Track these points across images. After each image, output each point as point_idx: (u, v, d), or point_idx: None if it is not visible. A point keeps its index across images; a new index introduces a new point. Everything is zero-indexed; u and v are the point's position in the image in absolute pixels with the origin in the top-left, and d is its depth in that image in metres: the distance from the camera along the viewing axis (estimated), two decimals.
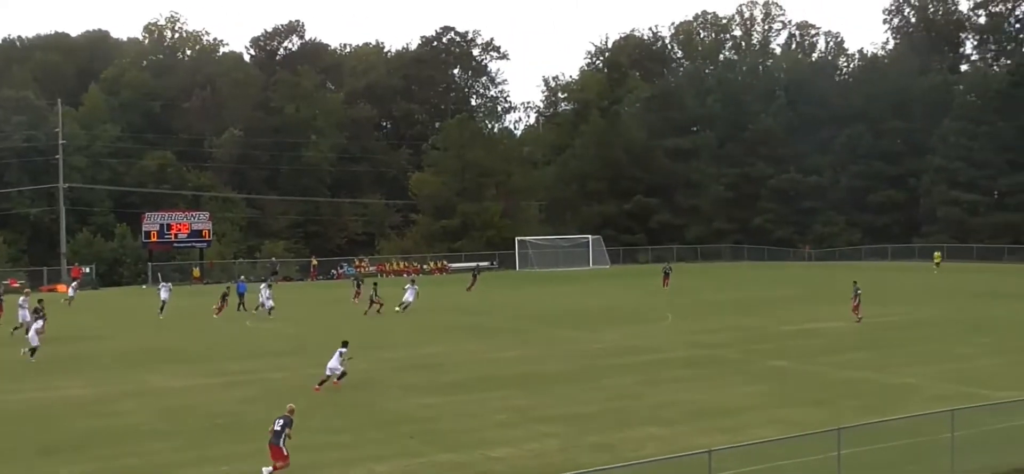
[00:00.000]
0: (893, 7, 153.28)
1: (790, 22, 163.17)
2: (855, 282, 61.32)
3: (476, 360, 46.94)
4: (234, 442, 31.21)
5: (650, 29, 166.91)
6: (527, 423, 33.20)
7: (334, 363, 39.45)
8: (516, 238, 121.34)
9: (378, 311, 67.44)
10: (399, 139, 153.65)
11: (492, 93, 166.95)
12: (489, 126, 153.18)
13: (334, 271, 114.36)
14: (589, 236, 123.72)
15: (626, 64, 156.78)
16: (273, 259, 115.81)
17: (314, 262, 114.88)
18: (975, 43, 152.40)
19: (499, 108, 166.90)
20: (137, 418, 35.02)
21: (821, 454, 24.96)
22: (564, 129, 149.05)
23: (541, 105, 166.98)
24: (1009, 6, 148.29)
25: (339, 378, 39.39)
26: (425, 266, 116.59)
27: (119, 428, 33.44)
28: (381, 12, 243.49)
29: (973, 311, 66.00)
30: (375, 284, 73.79)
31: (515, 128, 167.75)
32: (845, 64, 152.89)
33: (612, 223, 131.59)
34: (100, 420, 34.76)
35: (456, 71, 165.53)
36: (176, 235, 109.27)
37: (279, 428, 26.85)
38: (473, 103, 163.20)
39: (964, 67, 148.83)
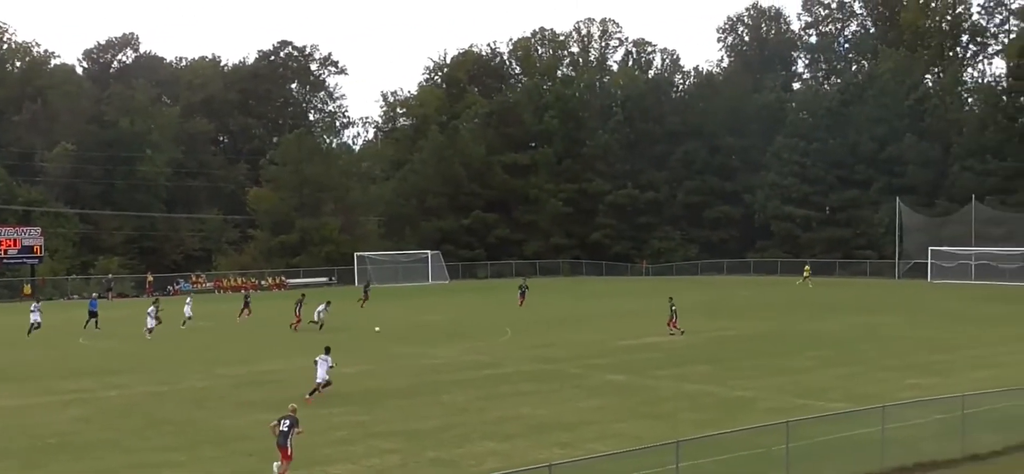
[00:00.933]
0: (727, 26, 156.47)
1: (627, 39, 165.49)
2: (671, 298, 62.54)
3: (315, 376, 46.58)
4: (70, 460, 30.65)
5: (488, 45, 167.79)
6: (367, 439, 33.10)
7: (322, 372, 40.29)
8: (355, 253, 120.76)
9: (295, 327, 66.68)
10: (236, 154, 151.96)
11: (330, 108, 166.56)
12: (327, 141, 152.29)
13: (170, 287, 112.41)
14: (428, 251, 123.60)
15: (464, 79, 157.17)
16: (108, 276, 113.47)
17: (150, 278, 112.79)
18: (806, 62, 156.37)
19: (337, 123, 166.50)
20: None
21: (660, 467, 25.20)
22: (403, 144, 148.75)
23: (380, 120, 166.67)
24: (839, 26, 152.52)
25: (324, 387, 40.22)
26: (263, 282, 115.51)
27: None
28: (218, 26, 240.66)
29: (807, 324, 67.49)
30: (302, 296, 72.84)
31: (354, 143, 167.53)
32: (681, 81, 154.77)
33: (451, 238, 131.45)
34: None
35: (294, 86, 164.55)
36: (6, 251, 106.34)
37: (286, 428, 27.93)
38: (311, 118, 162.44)
39: (796, 85, 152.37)
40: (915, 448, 29.96)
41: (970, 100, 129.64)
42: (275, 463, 27.95)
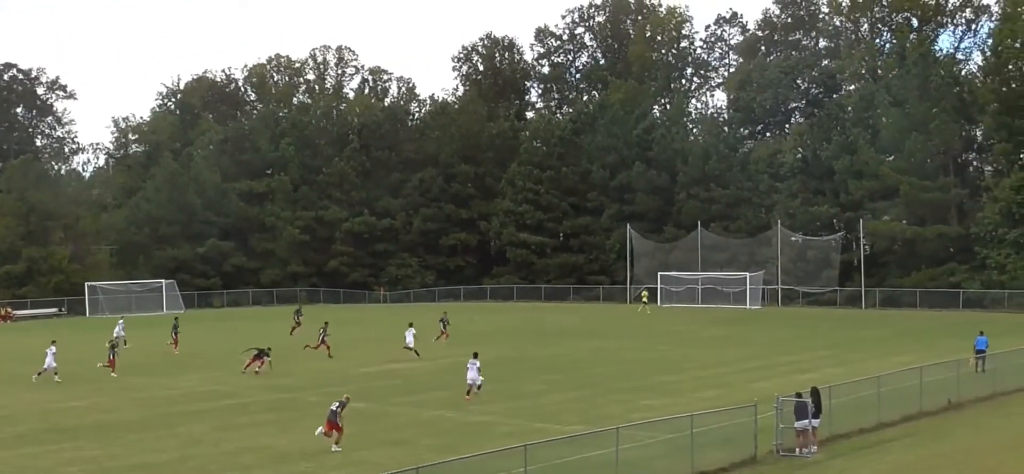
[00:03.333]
0: (462, 55, 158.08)
1: (363, 67, 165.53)
2: (258, 347, 60.82)
3: (43, 411, 45.26)
4: None
5: (223, 71, 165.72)
6: None
7: (473, 374, 45.75)
8: (86, 283, 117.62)
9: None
10: None
11: (59, 133, 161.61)
12: (56, 167, 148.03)
13: None
14: (162, 281, 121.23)
15: (199, 105, 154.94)
16: None
17: None
18: (540, 92, 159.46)
19: (66, 149, 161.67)
20: None
21: None
22: (135, 171, 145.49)
23: (111, 147, 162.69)
24: (570, 58, 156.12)
25: (478, 388, 45.99)
26: None
27: None
28: None
29: (541, 349, 68.73)
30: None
31: (84, 170, 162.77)
32: (417, 109, 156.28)
33: (186, 267, 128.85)
34: None
35: (19, 110, 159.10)
36: None
37: (336, 408, 35.33)
38: (38, 143, 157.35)
39: (529, 114, 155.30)
40: (648, 467, 31.01)
41: (695, 130, 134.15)
42: (318, 428, 35.41)
